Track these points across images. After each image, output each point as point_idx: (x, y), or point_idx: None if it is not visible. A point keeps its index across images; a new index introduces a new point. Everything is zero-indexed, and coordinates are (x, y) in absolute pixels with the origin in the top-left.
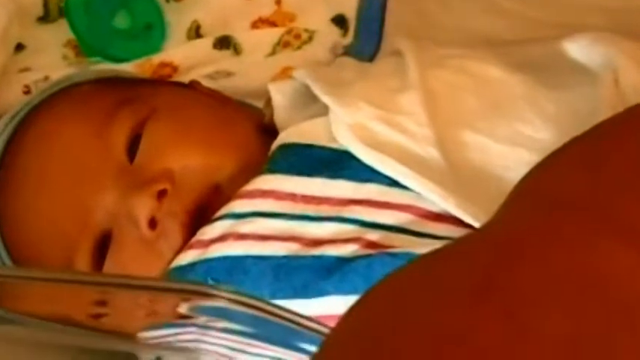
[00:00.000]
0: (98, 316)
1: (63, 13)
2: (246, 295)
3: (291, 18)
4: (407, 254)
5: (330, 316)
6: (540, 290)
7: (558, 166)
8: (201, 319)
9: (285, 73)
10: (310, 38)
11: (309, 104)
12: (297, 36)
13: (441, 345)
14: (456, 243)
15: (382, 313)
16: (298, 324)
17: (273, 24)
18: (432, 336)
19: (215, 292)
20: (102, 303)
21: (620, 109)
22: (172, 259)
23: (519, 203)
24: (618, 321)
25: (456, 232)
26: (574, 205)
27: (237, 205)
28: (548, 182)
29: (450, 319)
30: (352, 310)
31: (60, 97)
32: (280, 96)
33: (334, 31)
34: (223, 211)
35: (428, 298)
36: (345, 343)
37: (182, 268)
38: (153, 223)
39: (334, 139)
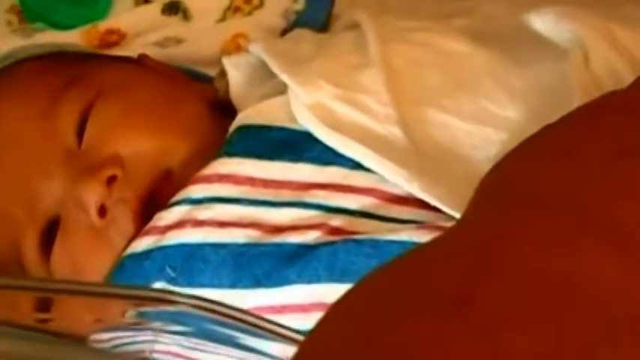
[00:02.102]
0: (44, 321)
1: None
2: (207, 300)
3: None
4: (372, 240)
5: (292, 306)
6: (517, 304)
7: (532, 159)
8: (156, 324)
9: (236, 40)
10: (261, 3)
11: (266, 79)
12: (248, 1)
13: None
14: (431, 246)
15: (353, 327)
16: (260, 327)
17: None
18: (403, 358)
19: (177, 298)
20: (44, 308)
21: (591, 89)
22: (123, 246)
23: (492, 200)
24: (599, 335)
25: (421, 215)
26: (551, 205)
27: (194, 190)
28: (521, 177)
29: (422, 339)
30: (323, 321)
31: (3, 77)
32: (236, 71)
33: None
34: (180, 195)
35: (401, 313)
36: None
37: (138, 256)
38: (102, 211)
39: (294, 120)
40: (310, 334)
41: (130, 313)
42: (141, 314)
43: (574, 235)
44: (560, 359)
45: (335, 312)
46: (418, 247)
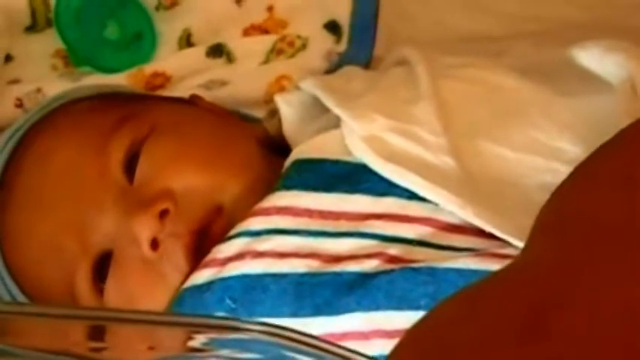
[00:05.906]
0: (97, 350)
1: (50, 22)
2: (277, 326)
3: (283, 25)
4: (429, 268)
5: (352, 333)
6: (590, 333)
7: (594, 189)
8: (222, 352)
9: (280, 82)
10: (304, 45)
11: (318, 115)
12: (291, 43)
13: None
14: (500, 276)
15: (425, 358)
16: (331, 353)
17: (265, 31)
18: None
19: (248, 326)
20: (97, 336)
21: None
22: (175, 279)
23: (558, 230)
24: None
25: (477, 243)
26: (619, 236)
27: (253, 223)
28: (585, 208)
29: None
30: (396, 350)
31: (59, 115)
32: (288, 108)
33: (327, 38)
34: (238, 228)
35: (472, 342)
36: None
37: (198, 288)
38: (155, 244)
39: (348, 153)
40: None
41: (198, 341)
42: (207, 342)
43: None
44: None
45: (407, 342)
46: (487, 277)
